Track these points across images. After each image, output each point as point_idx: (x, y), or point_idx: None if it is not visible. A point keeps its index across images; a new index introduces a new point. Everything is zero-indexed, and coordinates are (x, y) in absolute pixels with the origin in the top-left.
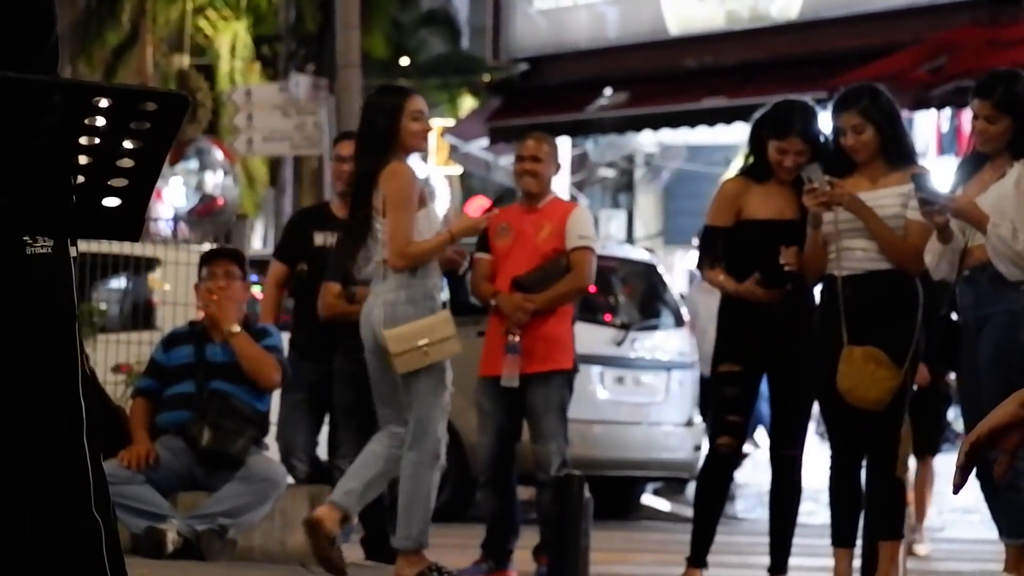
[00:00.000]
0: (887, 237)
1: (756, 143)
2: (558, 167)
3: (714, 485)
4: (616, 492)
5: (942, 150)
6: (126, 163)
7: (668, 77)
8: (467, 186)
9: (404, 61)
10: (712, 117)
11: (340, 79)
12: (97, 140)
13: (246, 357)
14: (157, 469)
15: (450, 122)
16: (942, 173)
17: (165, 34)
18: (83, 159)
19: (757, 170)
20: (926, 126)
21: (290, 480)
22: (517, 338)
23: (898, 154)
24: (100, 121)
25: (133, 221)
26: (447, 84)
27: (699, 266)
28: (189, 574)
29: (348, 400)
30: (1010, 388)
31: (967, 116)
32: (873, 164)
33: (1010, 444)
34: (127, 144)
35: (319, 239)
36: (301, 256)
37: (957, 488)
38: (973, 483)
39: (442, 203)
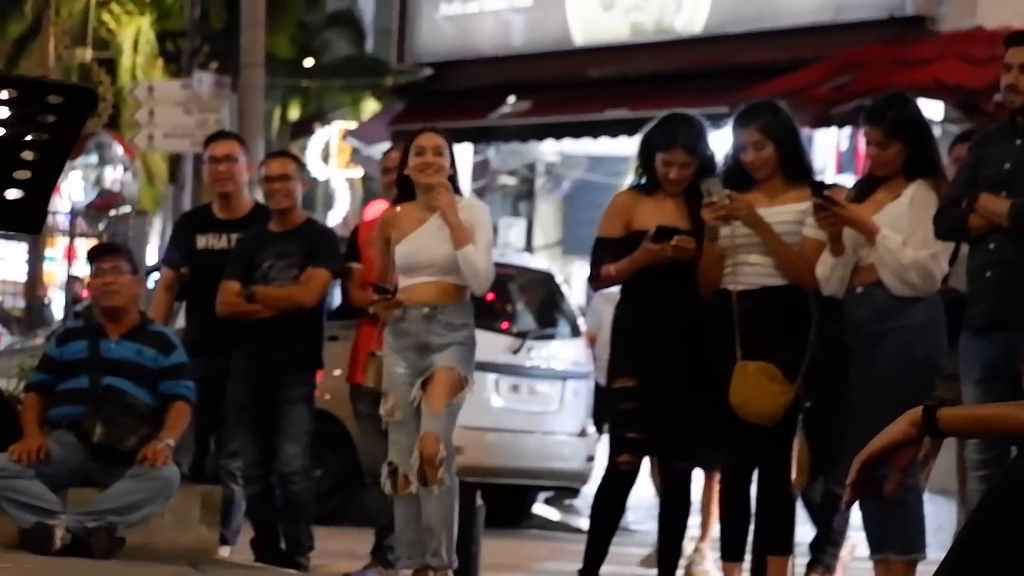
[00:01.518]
0: (783, 253)
1: (645, 156)
2: None
3: (611, 502)
4: (508, 500)
5: (841, 168)
6: (29, 155)
7: (572, 87)
8: (368, 189)
9: (308, 62)
10: (615, 128)
11: (243, 78)
12: (1, 131)
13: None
14: (48, 464)
15: (352, 125)
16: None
17: (68, 27)
18: None
19: (647, 182)
20: (826, 144)
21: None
22: None
23: (797, 171)
24: (4, 112)
25: (35, 213)
26: (351, 86)
27: (590, 278)
28: (77, 571)
29: (245, 399)
30: (905, 405)
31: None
32: (772, 180)
33: (902, 462)
34: (31, 136)
35: (202, 241)
36: (185, 259)
37: (848, 504)
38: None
39: (342, 205)
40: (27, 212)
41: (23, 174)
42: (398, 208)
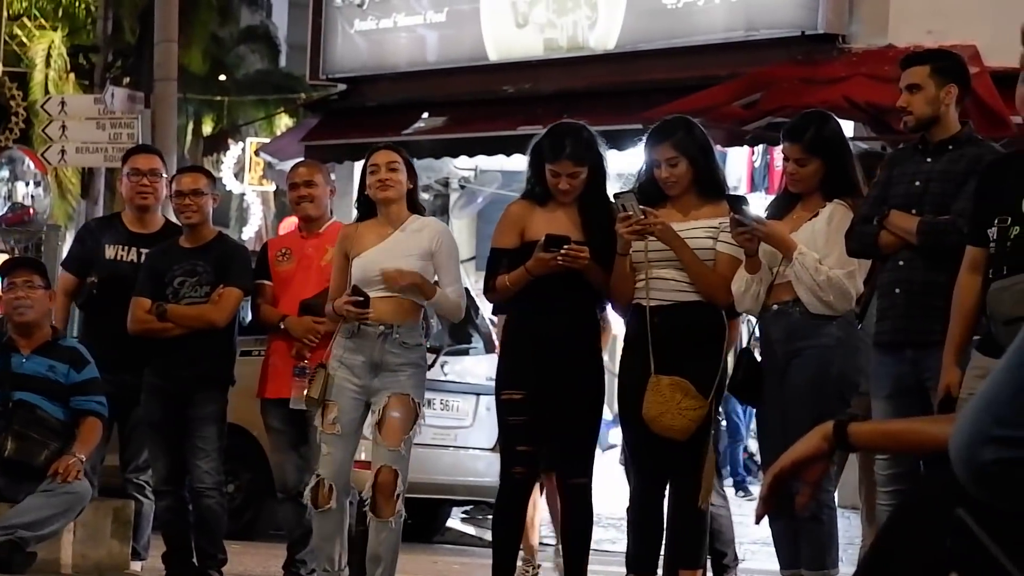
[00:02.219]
0: (697, 268)
1: (535, 165)
2: (333, 191)
3: (510, 512)
4: (422, 515)
5: (754, 186)
6: None
7: (486, 103)
8: (281, 203)
9: (222, 77)
10: (528, 144)
11: (157, 92)
12: None
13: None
14: None
15: (266, 140)
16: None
17: None
18: None
19: (539, 192)
20: (739, 161)
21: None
22: (306, 361)
23: (710, 187)
24: None
25: None
26: (264, 101)
27: (485, 290)
28: None
29: (157, 416)
30: (818, 422)
31: (779, 152)
32: (685, 196)
33: (813, 476)
34: None
35: (111, 252)
36: (91, 267)
37: (759, 518)
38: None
39: (255, 221)
40: None
41: None
42: (358, 225)
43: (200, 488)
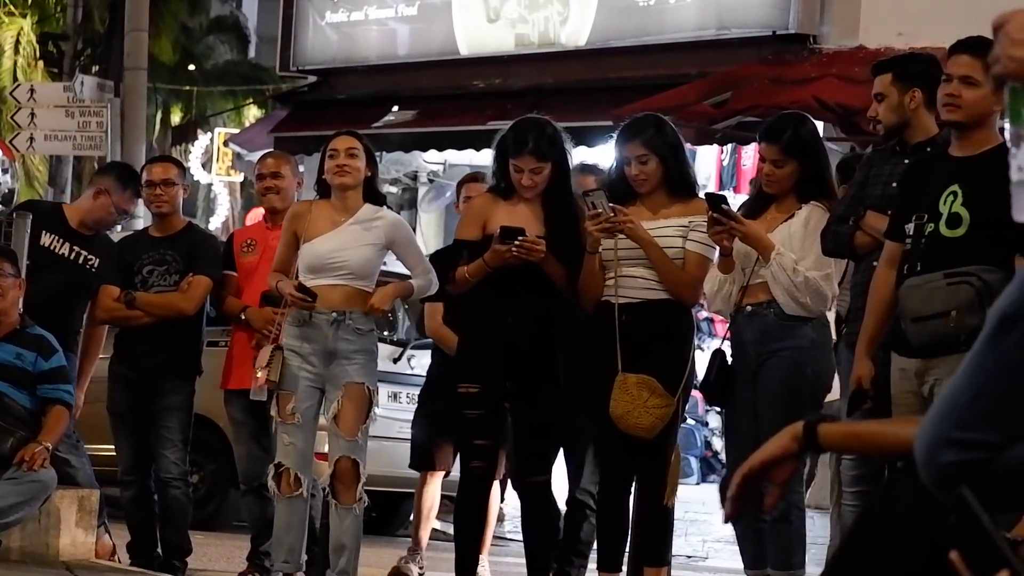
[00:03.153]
0: (666, 267)
1: (499, 160)
2: (300, 183)
3: (471, 506)
4: (385, 509)
5: (722, 185)
6: None
7: (456, 97)
8: (249, 194)
9: (191, 67)
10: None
11: (127, 81)
12: None
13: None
14: None
15: (234, 130)
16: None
17: None
18: None
19: (503, 187)
20: (708, 160)
21: None
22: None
23: (680, 185)
24: None
25: None
26: (233, 92)
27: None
28: None
29: (122, 405)
30: (791, 423)
31: (747, 152)
32: (655, 195)
33: (782, 476)
34: None
35: (46, 239)
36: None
37: (728, 518)
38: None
39: (223, 211)
40: None
41: None
42: (310, 205)
43: (166, 478)
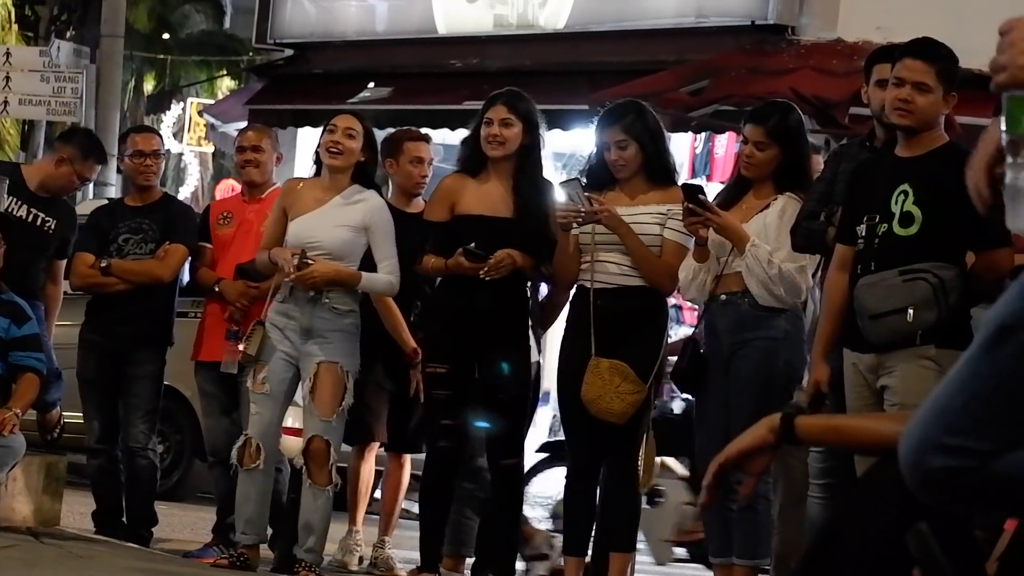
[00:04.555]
0: (642, 254)
1: (473, 134)
2: (280, 157)
3: (437, 486)
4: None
5: (694, 173)
6: None
7: (433, 76)
8: (219, 165)
9: (165, 35)
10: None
11: (103, 48)
12: None
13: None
14: None
15: (207, 101)
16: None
17: None
18: None
19: (472, 163)
20: (681, 148)
21: None
22: (237, 327)
23: (659, 172)
24: None
25: None
26: (207, 62)
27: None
28: None
29: (92, 372)
30: (763, 413)
31: (721, 141)
32: (634, 180)
33: (758, 467)
34: None
35: (3, 201)
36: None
37: (704, 507)
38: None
39: (192, 181)
40: None
41: None
42: (300, 182)
43: (134, 447)
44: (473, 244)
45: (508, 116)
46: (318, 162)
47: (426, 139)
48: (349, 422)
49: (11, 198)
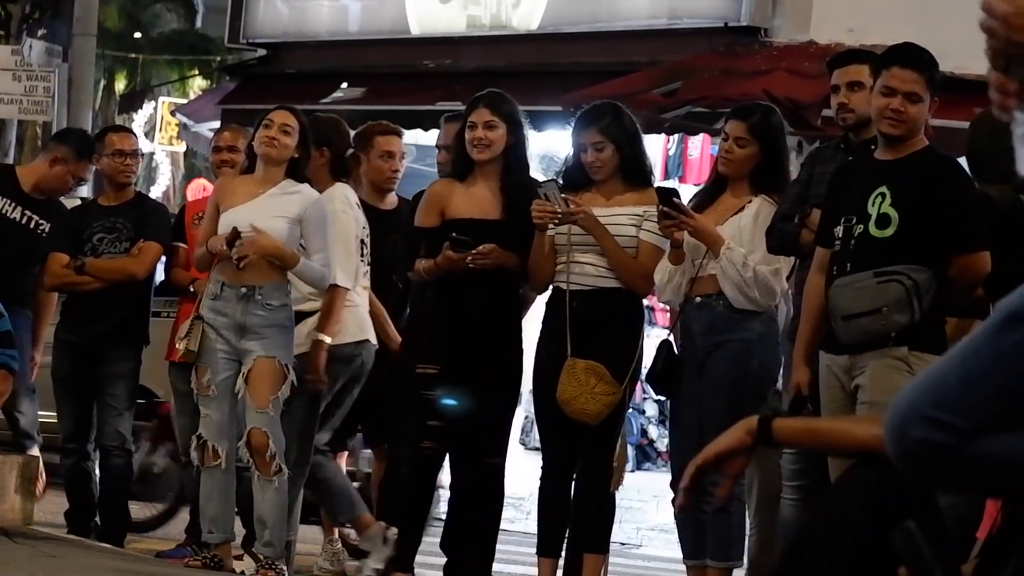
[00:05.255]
0: (618, 256)
1: (459, 136)
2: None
3: (419, 488)
4: None
5: (667, 174)
6: None
7: (406, 76)
8: (190, 165)
9: (137, 34)
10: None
11: (75, 47)
12: None
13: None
14: None
15: (179, 100)
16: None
17: None
18: None
19: (460, 166)
20: (654, 149)
21: None
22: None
23: (635, 174)
24: None
25: None
26: (178, 61)
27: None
28: None
29: (66, 371)
30: (737, 415)
31: (694, 143)
32: (610, 182)
33: (735, 469)
34: None
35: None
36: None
37: (682, 508)
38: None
39: (164, 180)
40: None
41: None
42: (234, 177)
43: (109, 447)
44: (454, 233)
45: (492, 118)
46: (251, 156)
47: (398, 133)
48: (366, 426)
49: (5, 200)
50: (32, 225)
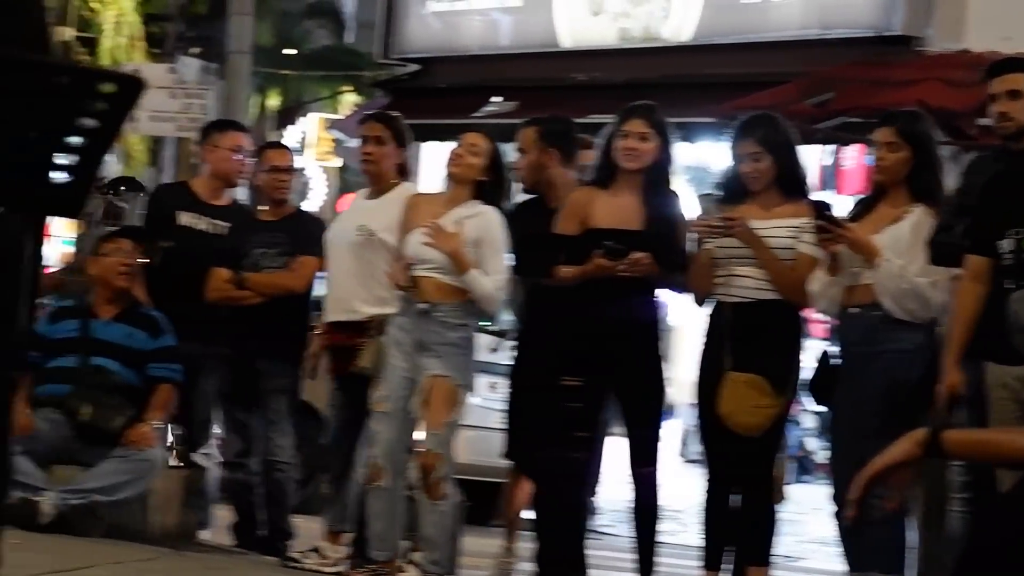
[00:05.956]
0: (777, 268)
1: (604, 144)
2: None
3: (569, 498)
4: (484, 497)
5: (823, 186)
6: (77, 141)
7: (557, 89)
8: (344, 179)
9: (289, 51)
10: (596, 132)
11: (230, 64)
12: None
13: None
14: (34, 441)
15: (330, 116)
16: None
17: (50, 5)
18: (35, 134)
19: (602, 173)
20: (809, 160)
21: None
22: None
23: (792, 185)
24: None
25: (77, 198)
26: (329, 77)
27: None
28: (61, 548)
29: (228, 387)
30: (894, 425)
31: (849, 153)
32: (767, 193)
33: (902, 481)
34: (82, 122)
35: (185, 219)
36: (165, 234)
37: (852, 520)
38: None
39: (318, 196)
40: (69, 197)
41: (70, 159)
42: (422, 197)
43: (273, 460)
44: (607, 241)
45: (646, 130)
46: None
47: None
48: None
49: (188, 214)
50: (222, 233)
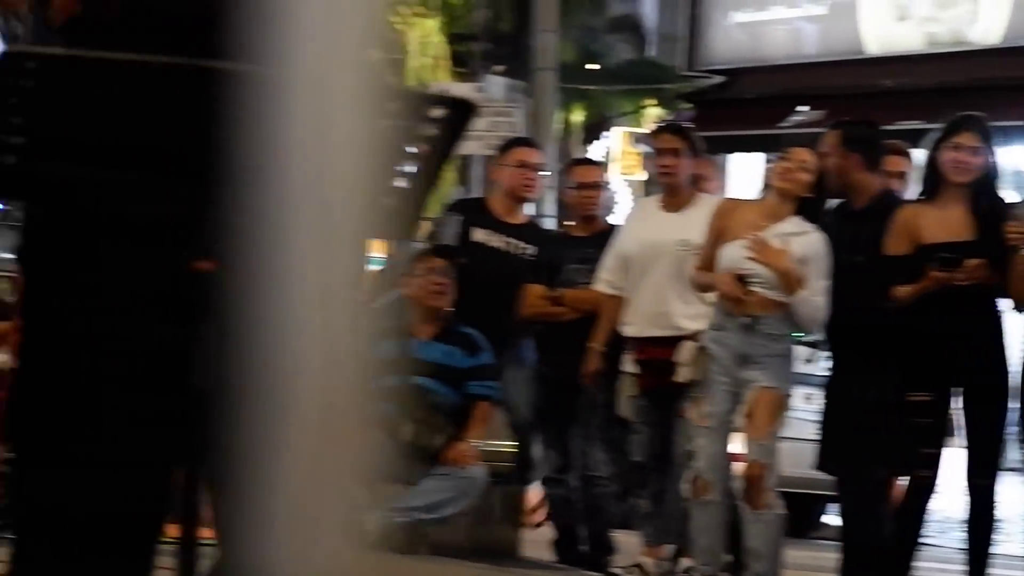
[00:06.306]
0: None
1: (929, 157)
2: (706, 177)
3: (915, 516)
4: (797, 509)
5: None
6: (409, 167)
7: (863, 96)
8: (650, 193)
9: (591, 66)
10: (906, 140)
11: (537, 82)
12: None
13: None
14: None
15: (637, 130)
16: None
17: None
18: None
19: (927, 187)
20: None
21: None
22: None
23: None
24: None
25: (409, 222)
26: (633, 91)
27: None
28: (385, 566)
29: (547, 404)
30: None
31: None
32: None
33: None
34: (413, 148)
35: (479, 235)
36: (460, 250)
37: None
38: None
39: (623, 209)
40: (402, 221)
41: (400, 183)
42: (735, 204)
43: (591, 476)
44: (942, 253)
45: (978, 144)
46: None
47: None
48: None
49: (484, 230)
50: (514, 250)
